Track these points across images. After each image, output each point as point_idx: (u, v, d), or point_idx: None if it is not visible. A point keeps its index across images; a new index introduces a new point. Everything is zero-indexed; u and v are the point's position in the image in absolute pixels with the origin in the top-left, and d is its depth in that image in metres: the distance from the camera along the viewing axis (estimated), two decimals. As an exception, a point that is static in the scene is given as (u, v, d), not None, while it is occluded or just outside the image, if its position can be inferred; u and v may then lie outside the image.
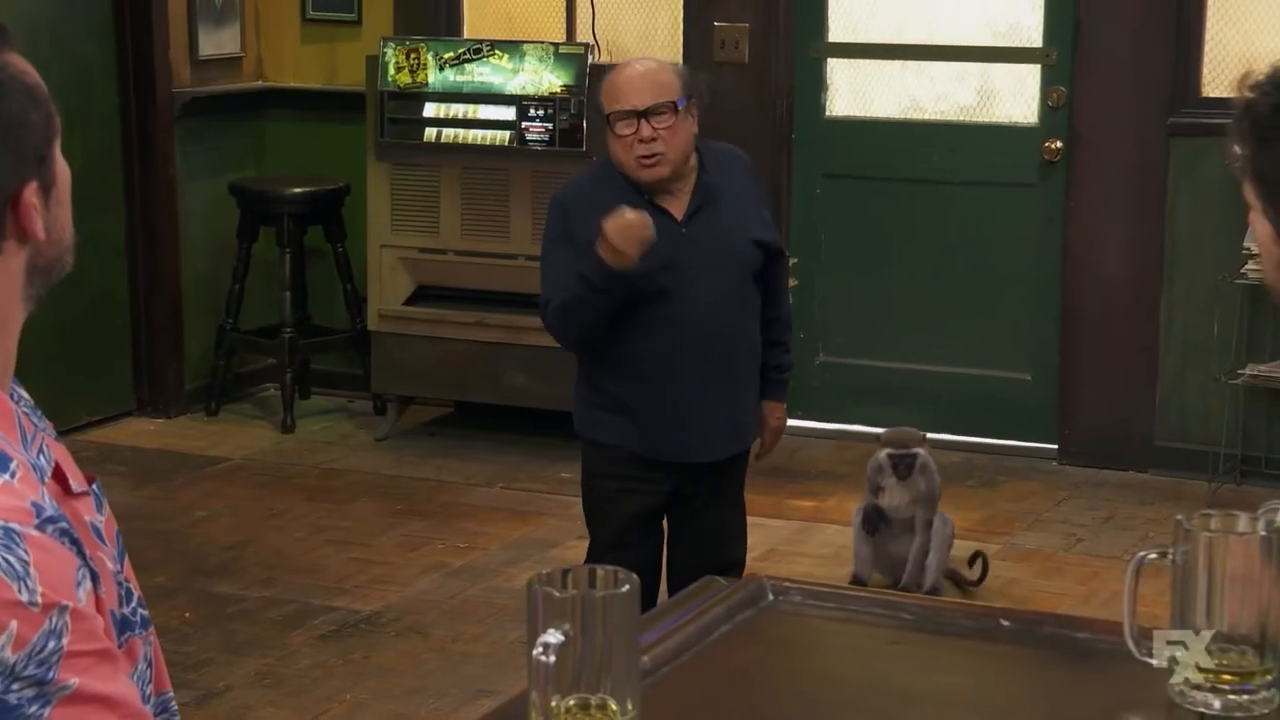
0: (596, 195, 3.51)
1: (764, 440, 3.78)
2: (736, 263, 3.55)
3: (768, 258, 3.63)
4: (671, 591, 3.36)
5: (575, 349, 3.63)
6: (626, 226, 3.32)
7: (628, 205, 3.44)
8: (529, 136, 5.63)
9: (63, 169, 1.38)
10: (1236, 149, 1.82)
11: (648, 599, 3.26)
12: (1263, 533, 1.66)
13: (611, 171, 3.54)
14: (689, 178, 3.54)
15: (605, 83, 3.54)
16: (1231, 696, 1.67)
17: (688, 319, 3.49)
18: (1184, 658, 1.66)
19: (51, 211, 1.36)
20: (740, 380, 3.61)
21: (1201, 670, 1.67)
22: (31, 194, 1.33)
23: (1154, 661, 1.71)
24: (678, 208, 3.52)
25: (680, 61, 5.24)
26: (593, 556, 3.68)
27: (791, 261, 5.95)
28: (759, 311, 3.64)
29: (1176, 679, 1.68)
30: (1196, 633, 1.66)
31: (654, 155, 3.45)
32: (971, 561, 4.67)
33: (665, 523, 3.71)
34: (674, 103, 3.46)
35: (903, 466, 4.51)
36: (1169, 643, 1.68)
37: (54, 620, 1.21)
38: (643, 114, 3.44)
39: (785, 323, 3.75)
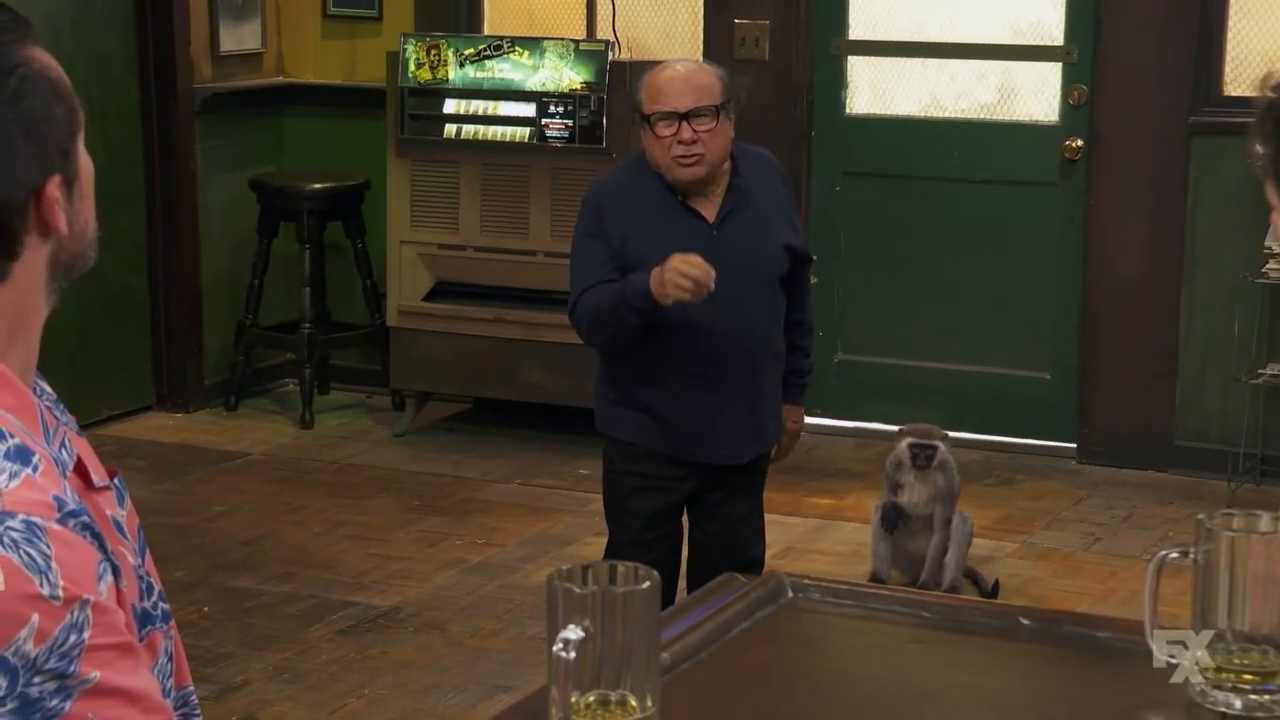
0: (630, 193, 3.52)
1: (781, 443, 3.77)
2: (766, 267, 3.55)
3: (795, 263, 3.63)
4: (690, 590, 3.36)
5: (598, 344, 3.64)
6: (690, 275, 3.30)
7: (659, 205, 3.45)
8: (549, 133, 5.63)
9: (86, 164, 1.38)
10: (1258, 149, 1.81)
11: (666, 596, 3.25)
12: (1284, 533, 1.66)
13: (644, 169, 3.53)
14: (722, 180, 3.54)
15: (645, 82, 3.52)
16: (1253, 696, 1.66)
17: (715, 322, 3.49)
18: (1184, 657, 1.66)
19: (74, 206, 1.36)
20: (764, 383, 3.61)
21: (1222, 670, 1.66)
22: (54, 188, 1.33)
23: (1176, 660, 1.71)
24: (710, 210, 3.52)
25: (703, 59, 5.23)
26: (611, 553, 3.67)
27: (812, 259, 5.99)
28: (784, 315, 3.63)
29: (1178, 678, 1.67)
30: (1197, 631, 1.66)
31: (693, 156, 3.45)
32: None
33: (685, 521, 3.70)
34: (715, 106, 3.46)
35: (923, 457, 4.51)
36: (1169, 642, 1.67)
37: (75, 614, 1.21)
38: (684, 116, 3.43)
39: (807, 326, 3.75)
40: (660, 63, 3.62)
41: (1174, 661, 1.68)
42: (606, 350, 3.60)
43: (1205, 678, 1.68)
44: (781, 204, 3.63)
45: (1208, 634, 1.65)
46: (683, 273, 3.30)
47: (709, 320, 3.48)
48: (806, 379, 3.78)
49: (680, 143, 3.44)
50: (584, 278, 3.50)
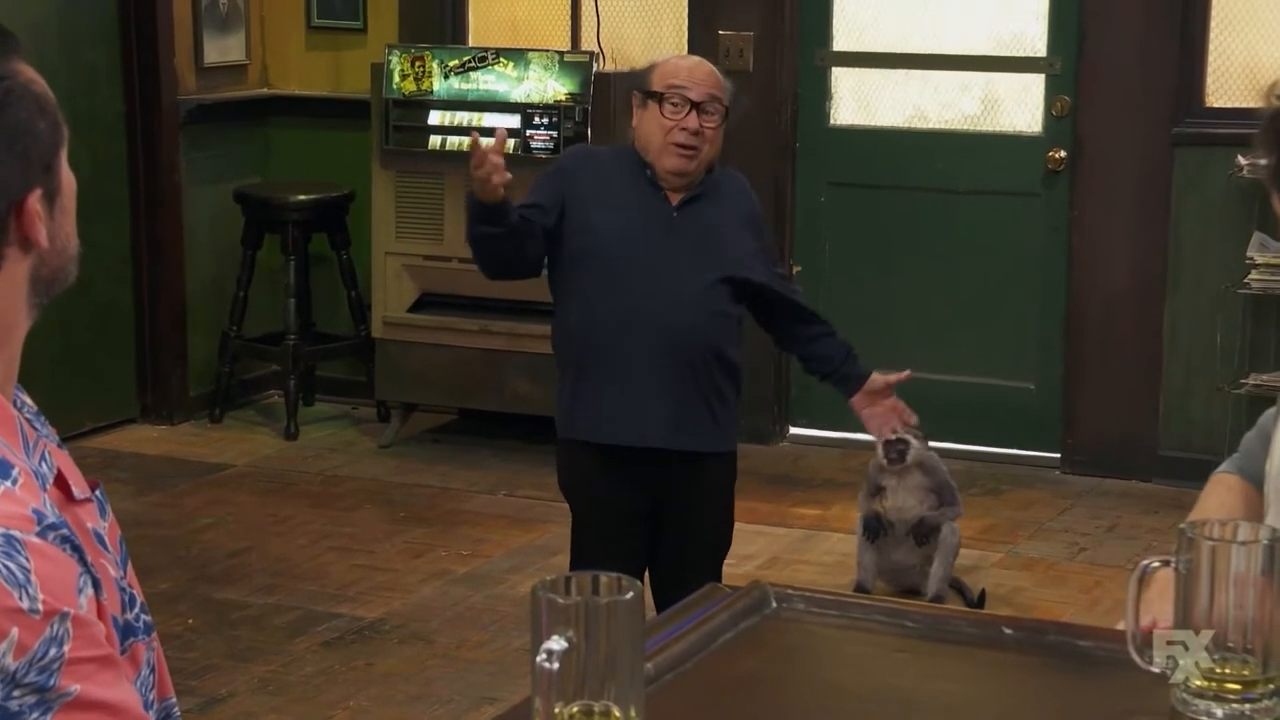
0: (604, 164, 3.56)
1: (895, 408, 3.77)
2: (718, 263, 3.52)
3: (749, 283, 3.58)
4: (656, 604, 3.34)
5: (485, 270, 3.63)
6: (479, 154, 3.36)
7: (628, 180, 3.49)
8: (534, 144, 5.64)
9: (68, 179, 1.38)
10: (1262, 160, 1.81)
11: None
12: (1265, 541, 1.66)
13: (626, 154, 3.55)
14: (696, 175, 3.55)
15: (660, 65, 3.55)
16: (1234, 705, 1.66)
17: (655, 301, 3.47)
18: (1184, 657, 1.66)
19: (55, 220, 1.36)
20: (699, 378, 3.53)
21: (1205, 679, 1.66)
22: (35, 201, 1.33)
23: (1155, 668, 1.71)
24: (675, 196, 3.53)
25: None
26: (573, 557, 3.69)
27: (795, 270, 6.00)
28: (735, 325, 3.58)
29: (1178, 678, 1.67)
30: (1196, 632, 1.66)
31: (692, 148, 3.46)
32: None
33: (649, 541, 3.66)
34: (726, 106, 3.50)
35: (893, 452, 4.51)
36: (1169, 643, 1.68)
37: (55, 627, 1.21)
38: (696, 105, 3.45)
39: (814, 314, 3.75)
40: (670, 56, 3.67)
41: (1168, 666, 1.68)
42: (490, 271, 3.60)
43: (1189, 686, 1.68)
44: (747, 222, 3.62)
45: (1208, 634, 1.65)
46: (478, 162, 3.35)
47: (650, 300, 3.47)
48: (855, 352, 3.79)
49: (684, 129, 3.44)
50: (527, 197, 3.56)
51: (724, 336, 3.56)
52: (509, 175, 3.36)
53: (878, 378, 3.72)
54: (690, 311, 3.49)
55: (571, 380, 3.59)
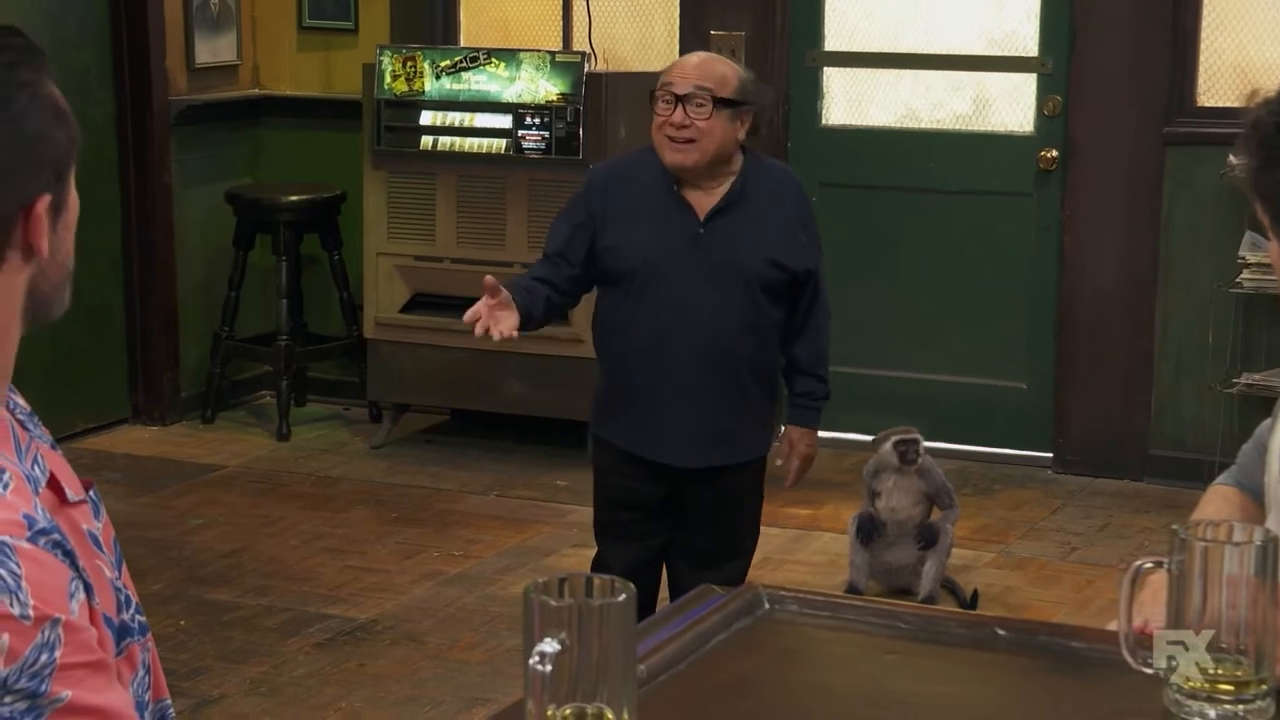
0: (629, 176, 3.56)
1: (791, 465, 3.71)
2: (745, 275, 3.50)
3: (793, 282, 3.56)
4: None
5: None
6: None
7: (655, 194, 3.49)
8: (525, 145, 5.64)
9: (74, 197, 1.40)
10: (1244, 162, 1.81)
11: (645, 605, 3.28)
12: (1257, 542, 1.66)
13: (652, 167, 3.54)
14: (725, 182, 3.51)
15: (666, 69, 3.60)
16: (1227, 706, 1.67)
17: (684, 321, 3.48)
18: (1184, 657, 1.66)
19: (58, 234, 1.38)
20: (730, 393, 3.54)
21: (1200, 678, 1.66)
22: (43, 208, 1.34)
23: (1147, 669, 1.71)
24: (704, 206, 3.51)
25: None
26: (596, 554, 3.74)
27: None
28: (772, 332, 3.57)
29: (1177, 678, 1.67)
30: (1197, 632, 1.66)
31: (683, 140, 3.44)
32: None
33: (670, 536, 3.69)
34: (716, 96, 3.44)
35: (912, 452, 4.52)
36: (1169, 643, 1.67)
37: (46, 633, 1.21)
38: (681, 98, 3.44)
39: (815, 348, 3.65)
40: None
41: (1169, 664, 1.68)
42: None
43: (1183, 687, 1.68)
44: (786, 221, 3.56)
45: (1208, 634, 1.65)
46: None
47: (679, 318, 3.48)
48: (819, 403, 3.69)
49: (671, 124, 3.44)
50: (549, 237, 3.63)
51: (758, 348, 3.56)
52: (511, 325, 3.45)
53: (786, 444, 3.71)
54: (720, 330, 3.49)
55: (607, 382, 3.63)
